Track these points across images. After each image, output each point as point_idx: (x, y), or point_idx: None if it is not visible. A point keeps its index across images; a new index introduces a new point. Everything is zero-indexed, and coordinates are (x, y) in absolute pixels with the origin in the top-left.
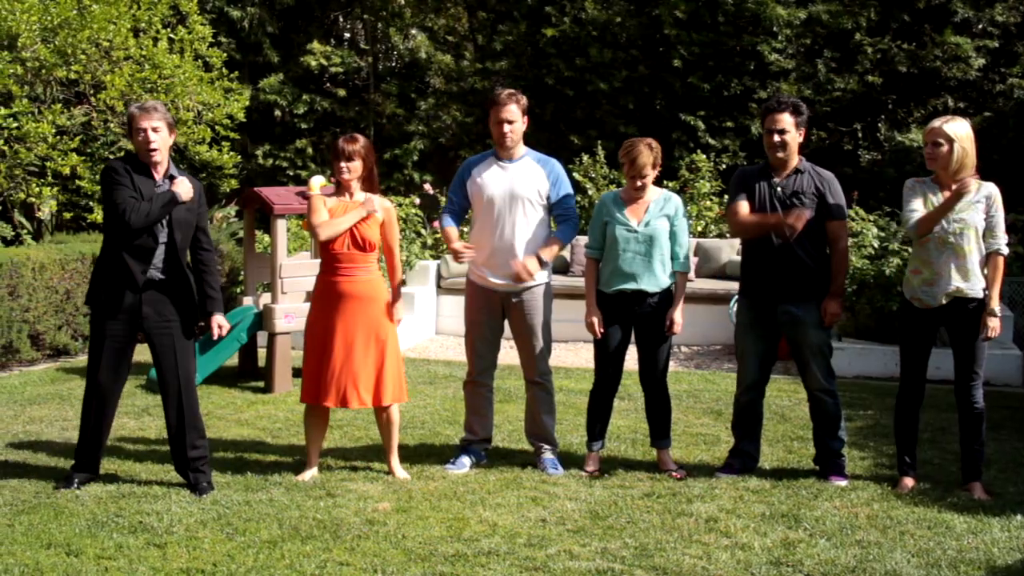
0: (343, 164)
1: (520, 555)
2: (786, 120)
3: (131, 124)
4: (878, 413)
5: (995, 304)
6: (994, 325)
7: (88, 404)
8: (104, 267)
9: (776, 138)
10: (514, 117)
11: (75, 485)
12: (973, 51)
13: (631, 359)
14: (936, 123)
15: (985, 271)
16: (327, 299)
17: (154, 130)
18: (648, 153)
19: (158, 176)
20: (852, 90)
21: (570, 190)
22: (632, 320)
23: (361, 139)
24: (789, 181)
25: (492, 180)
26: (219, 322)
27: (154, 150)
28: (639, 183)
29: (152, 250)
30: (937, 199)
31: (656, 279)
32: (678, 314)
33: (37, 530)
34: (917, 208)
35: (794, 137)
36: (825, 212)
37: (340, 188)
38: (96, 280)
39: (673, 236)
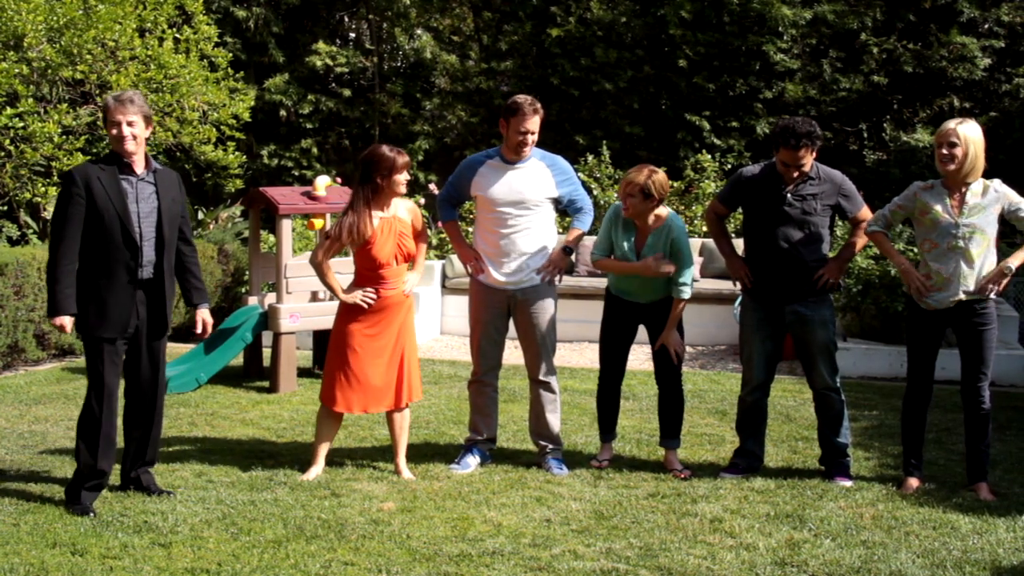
0: (404, 176)
1: (525, 555)
2: (805, 156)
3: (106, 115)
4: (883, 413)
5: (1015, 262)
6: (1003, 279)
7: (95, 422)
8: (89, 275)
9: (795, 173)
10: (536, 128)
11: (92, 509)
12: (979, 51)
13: (635, 360)
14: (950, 124)
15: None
16: (372, 311)
17: (129, 124)
18: (641, 174)
19: (139, 169)
20: (857, 90)
21: (578, 182)
22: (637, 321)
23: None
24: (799, 187)
25: (499, 182)
26: (204, 317)
27: (131, 152)
28: (628, 202)
29: (139, 248)
30: (944, 205)
31: (656, 293)
32: (671, 337)
33: (42, 529)
34: (881, 217)
35: (810, 162)
36: (844, 213)
37: (379, 199)
38: (81, 291)
39: (675, 254)
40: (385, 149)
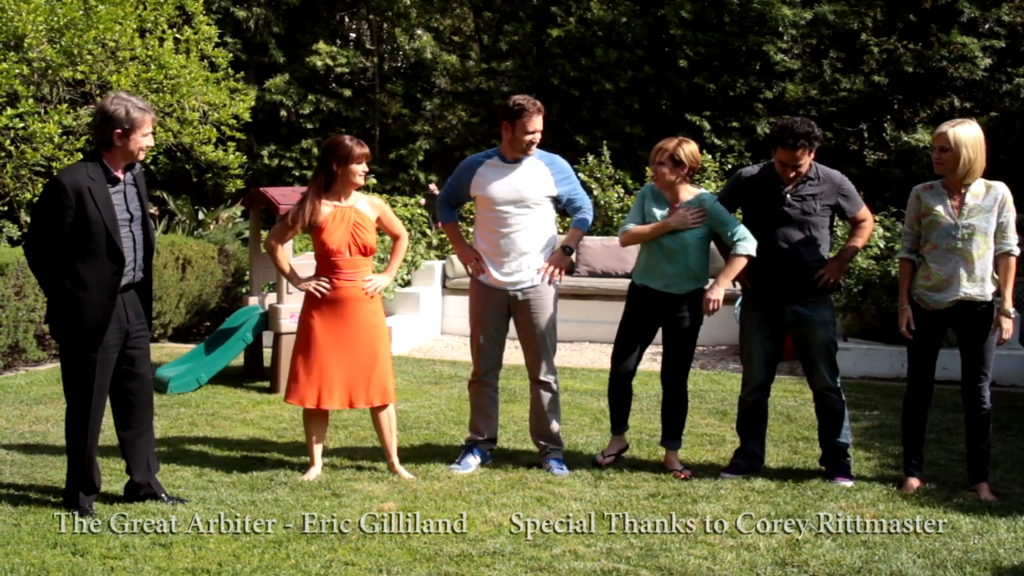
0: (364, 168)
1: (525, 555)
2: (803, 156)
3: (133, 126)
4: (883, 414)
5: (1008, 305)
6: (1007, 327)
7: (82, 432)
8: (80, 280)
9: (792, 173)
10: (541, 126)
11: (91, 510)
12: (979, 51)
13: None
14: (944, 127)
15: (996, 273)
16: (329, 304)
17: (153, 134)
18: (671, 142)
19: (121, 174)
20: (858, 90)
21: (577, 182)
22: (658, 319)
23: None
24: (799, 187)
25: (498, 181)
26: None
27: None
28: (659, 170)
29: (125, 259)
30: (945, 206)
31: (684, 282)
32: (715, 292)
33: (43, 529)
34: (905, 235)
35: (808, 162)
36: (843, 213)
37: (334, 190)
38: (68, 296)
39: (719, 223)
40: (345, 138)
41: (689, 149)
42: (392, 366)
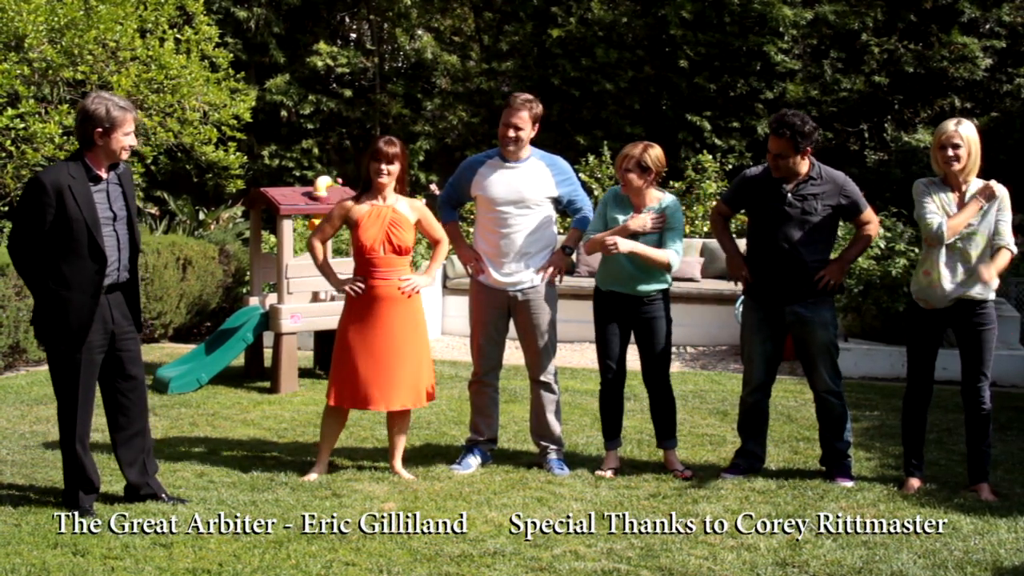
0: (383, 167)
1: (525, 555)
2: (784, 148)
3: (113, 125)
4: (884, 414)
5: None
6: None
7: (70, 432)
8: (62, 279)
9: (772, 161)
10: (523, 124)
11: (92, 510)
12: (980, 51)
13: (634, 359)
14: (951, 126)
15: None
16: (364, 303)
17: (136, 133)
18: (636, 148)
19: (104, 172)
20: (858, 90)
21: (578, 183)
22: (630, 320)
23: (398, 142)
24: (800, 187)
25: (498, 181)
26: None
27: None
28: (626, 177)
29: (107, 258)
30: (947, 200)
31: (649, 283)
32: (620, 240)
33: (44, 530)
34: (935, 212)
35: (795, 161)
36: (847, 214)
37: (372, 190)
38: (51, 295)
39: (668, 229)
40: (379, 137)
41: (655, 154)
42: (432, 367)
